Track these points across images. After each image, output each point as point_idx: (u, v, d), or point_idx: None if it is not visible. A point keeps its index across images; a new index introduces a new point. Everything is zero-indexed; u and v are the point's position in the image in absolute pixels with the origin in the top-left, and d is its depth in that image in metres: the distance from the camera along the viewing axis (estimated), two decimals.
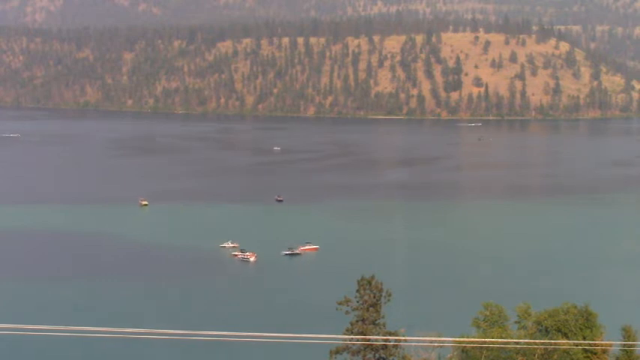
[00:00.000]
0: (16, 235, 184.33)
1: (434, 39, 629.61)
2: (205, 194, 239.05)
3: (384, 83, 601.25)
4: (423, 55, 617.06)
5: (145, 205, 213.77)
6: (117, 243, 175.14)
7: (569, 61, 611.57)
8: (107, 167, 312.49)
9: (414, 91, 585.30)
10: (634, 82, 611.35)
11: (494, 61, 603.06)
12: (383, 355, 65.06)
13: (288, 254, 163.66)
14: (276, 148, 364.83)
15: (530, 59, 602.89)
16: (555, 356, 69.64)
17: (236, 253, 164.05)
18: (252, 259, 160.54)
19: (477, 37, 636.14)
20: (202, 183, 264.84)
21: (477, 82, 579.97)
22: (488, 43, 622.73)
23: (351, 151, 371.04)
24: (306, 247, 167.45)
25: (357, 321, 65.45)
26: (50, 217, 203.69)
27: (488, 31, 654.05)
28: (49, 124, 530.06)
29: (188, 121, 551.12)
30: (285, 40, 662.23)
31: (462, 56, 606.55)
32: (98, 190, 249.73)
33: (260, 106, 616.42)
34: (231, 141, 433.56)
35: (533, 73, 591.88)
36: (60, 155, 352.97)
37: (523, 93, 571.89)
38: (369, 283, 65.96)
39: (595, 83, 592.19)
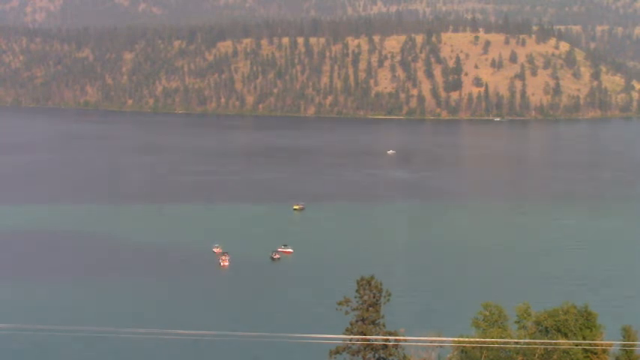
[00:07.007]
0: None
1: (434, 39, 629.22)
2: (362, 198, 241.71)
3: (384, 83, 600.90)
4: (423, 55, 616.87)
5: (297, 209, 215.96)
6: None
7: (569, 61, 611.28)
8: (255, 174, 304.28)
9: (414, 91, 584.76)
10: (634, 82, 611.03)
11: (494, 61, 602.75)
12: (383, 355, 64.98)
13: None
14: (390, 151, 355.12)
15: (530, 59, 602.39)
16: (555, 356, 69.58)
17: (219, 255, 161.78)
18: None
19: (476, 37, 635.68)
20: (351, 189, 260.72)
21: (477, 82, 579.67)
22: (488, 43, 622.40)
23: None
24: (282, 250, 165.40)
25: (356, 321, 65.33)
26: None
27: (488, 31, 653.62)
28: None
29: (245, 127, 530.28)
30: (285, 40, 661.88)
31: (461, 56, 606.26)
32: (256, 193, 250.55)
33: (260, 106, 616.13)
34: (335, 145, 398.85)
35: (533, 73, 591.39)
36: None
37: (523, 93, 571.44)
38: (369, 283, 65.72)
39: (595, 83, 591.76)
